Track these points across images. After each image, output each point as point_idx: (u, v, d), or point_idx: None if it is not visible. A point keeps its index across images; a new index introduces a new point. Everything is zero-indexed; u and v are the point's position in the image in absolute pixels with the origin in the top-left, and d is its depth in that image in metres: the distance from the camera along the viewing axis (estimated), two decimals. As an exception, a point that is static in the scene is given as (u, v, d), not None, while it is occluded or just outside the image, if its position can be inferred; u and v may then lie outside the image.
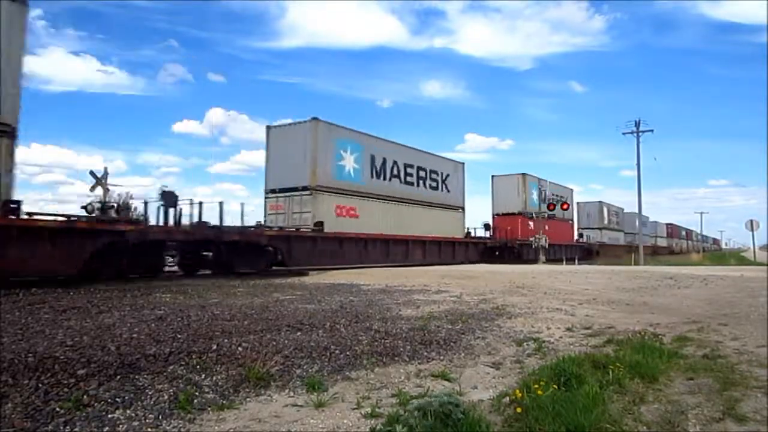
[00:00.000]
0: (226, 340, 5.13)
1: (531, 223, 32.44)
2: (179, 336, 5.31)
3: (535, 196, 33.64)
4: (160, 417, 3.16)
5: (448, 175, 27.11)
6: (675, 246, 77.06)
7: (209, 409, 3.33)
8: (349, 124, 21.10)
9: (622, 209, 55.36)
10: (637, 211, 38.60)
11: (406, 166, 23.97)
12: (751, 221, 36.93)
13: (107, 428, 2.98)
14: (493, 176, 34.18)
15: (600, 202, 49.54)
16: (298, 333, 5.67)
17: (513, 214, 32.44)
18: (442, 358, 4.83)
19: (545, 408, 3.11)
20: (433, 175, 25.96)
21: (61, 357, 4.23)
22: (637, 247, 37.58)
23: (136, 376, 3.87)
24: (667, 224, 75.95)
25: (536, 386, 3.42)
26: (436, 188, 26.12)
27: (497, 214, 33.28)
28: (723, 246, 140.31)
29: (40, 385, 3.53)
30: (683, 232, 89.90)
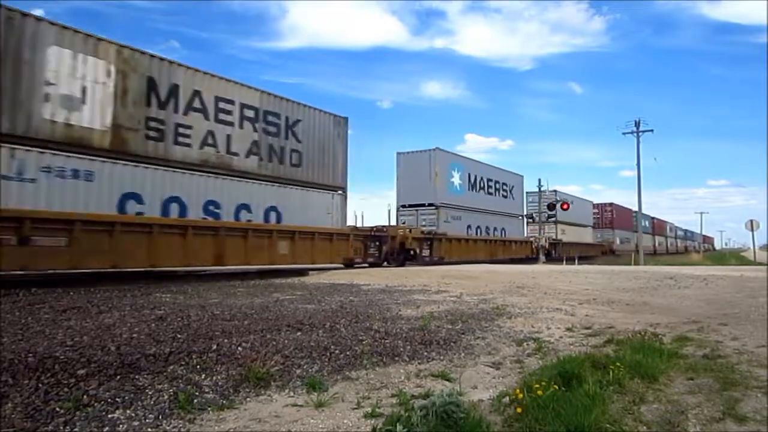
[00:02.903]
0: (226, 340, 5.13)
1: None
2: (179, 336, 5.31)
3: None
4: (160, 417, 3.16)
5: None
6: (612, 243, 45.80)
7: (209, 409, 3.33)
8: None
9: (486, 164, 31.63)
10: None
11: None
12: (751, 221, 36.97)
13: (107, 428, 2.98)
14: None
15: None
16: (298, 333, 5.67)
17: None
18: (442, 358, 4.83)
19: (545, 408, 3.11)
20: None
21: (61, 357, 4.23)
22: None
23: (136, 376, 3.86)
24: (604, 204, 44.95)
25: (536, 386, 3.42)
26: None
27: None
28: (721, 246, 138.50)
29: (40, 385, 3.52)
30: (646, 223, 52.09)
